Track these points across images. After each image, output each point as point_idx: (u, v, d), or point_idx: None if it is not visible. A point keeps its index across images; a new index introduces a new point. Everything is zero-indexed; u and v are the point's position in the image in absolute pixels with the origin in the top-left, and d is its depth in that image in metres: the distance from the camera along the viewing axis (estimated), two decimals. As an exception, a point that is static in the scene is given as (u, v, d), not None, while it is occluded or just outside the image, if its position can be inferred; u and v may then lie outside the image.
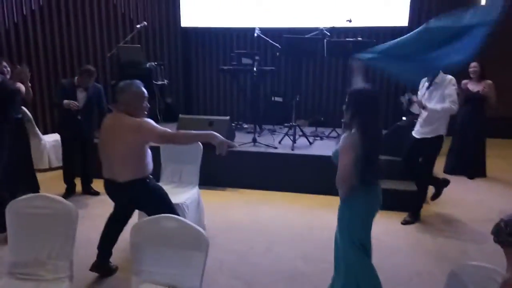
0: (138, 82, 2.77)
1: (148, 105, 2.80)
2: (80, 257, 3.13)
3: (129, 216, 3.03)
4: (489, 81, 5.09)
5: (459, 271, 1.46)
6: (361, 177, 2.32)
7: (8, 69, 4.16)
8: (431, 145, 3.85)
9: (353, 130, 2.32)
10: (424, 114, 3.86)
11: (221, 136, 2.66)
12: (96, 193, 4.70)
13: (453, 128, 4.49)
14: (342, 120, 5.34)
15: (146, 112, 2.77)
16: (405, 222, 4.04)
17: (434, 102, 3.76)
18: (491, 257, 3.29)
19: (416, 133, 3.95)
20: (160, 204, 2.77)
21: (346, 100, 2.42)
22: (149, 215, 2.47)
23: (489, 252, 3.41)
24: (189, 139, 2.94)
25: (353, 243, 2.42)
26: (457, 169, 5.28)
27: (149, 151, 2.81)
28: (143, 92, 2.74)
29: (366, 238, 2.48)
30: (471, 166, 5.29)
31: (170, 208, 2.79)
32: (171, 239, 1.91)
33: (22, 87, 4.08)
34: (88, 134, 4.60)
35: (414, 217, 4.06)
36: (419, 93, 3.98)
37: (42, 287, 2.09)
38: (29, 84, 4.15)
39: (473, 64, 5.02)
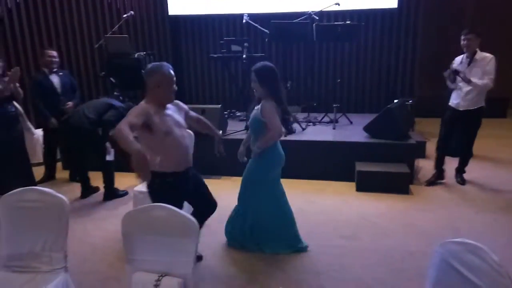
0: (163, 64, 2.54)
1: (176, 87, 2.54)
2: (77, 248, 3.17)
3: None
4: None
5: (442, 249, 1.49)
6: None
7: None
8: (476, 116, 4.20)
9: (264, 100, 2.83)
10: (465, 88, 4.14)
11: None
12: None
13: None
14: (334, 106, 5.57)
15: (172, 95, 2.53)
16: (462, 182, 4.54)
17: (475, 78, 4.06)
18: (482, 234, 3.38)
19: (457, 105, 4.26)
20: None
21: (253, 77, 2.83)
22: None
23: (479, 230, 3.48)
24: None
25: (267, 188, 3.15)
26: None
27: (176, 142, 2.51)
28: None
29: (278, 187, 3.25)
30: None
31: None
32: (162, 227, 1.93)
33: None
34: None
35: (462, 179, 4.59)
36: (454, 67, 4.21)
37: (38, 279, 2.11)
38: (18, 84, 4.12)
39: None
